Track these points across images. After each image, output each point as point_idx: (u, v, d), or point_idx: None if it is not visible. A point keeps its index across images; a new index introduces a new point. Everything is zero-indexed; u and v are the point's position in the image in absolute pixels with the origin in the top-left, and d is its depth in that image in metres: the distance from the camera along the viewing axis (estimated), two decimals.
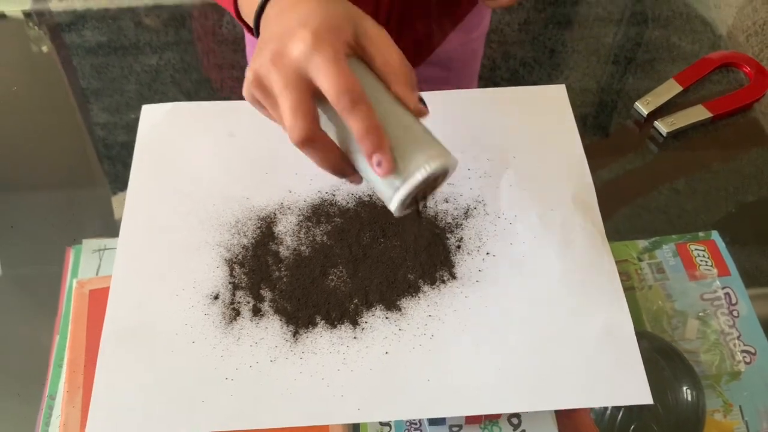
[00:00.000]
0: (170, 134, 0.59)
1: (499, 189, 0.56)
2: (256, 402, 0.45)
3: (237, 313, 0.49)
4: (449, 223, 0.54)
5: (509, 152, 0.58)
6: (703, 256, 0.58)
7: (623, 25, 1.09)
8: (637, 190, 0.75)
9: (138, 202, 0.55)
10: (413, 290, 0.50)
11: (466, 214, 0.55)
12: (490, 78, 1.04)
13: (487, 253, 0.52)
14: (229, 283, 0.51)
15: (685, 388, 0.47)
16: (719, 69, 0.76)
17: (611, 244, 0.60)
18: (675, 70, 0.82)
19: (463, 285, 0.51)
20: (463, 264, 0.52)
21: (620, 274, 0.57)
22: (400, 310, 0.49)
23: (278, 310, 0.50)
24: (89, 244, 0.56)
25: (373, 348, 0.48)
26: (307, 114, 0.40)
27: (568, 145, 0.59)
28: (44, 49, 0.90)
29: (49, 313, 0.53)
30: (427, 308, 0.50)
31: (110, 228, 0.60)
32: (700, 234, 0.60)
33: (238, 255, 0.52)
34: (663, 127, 0.68)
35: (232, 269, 0.52)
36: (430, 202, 0.55)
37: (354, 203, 0.55)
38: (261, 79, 0.41)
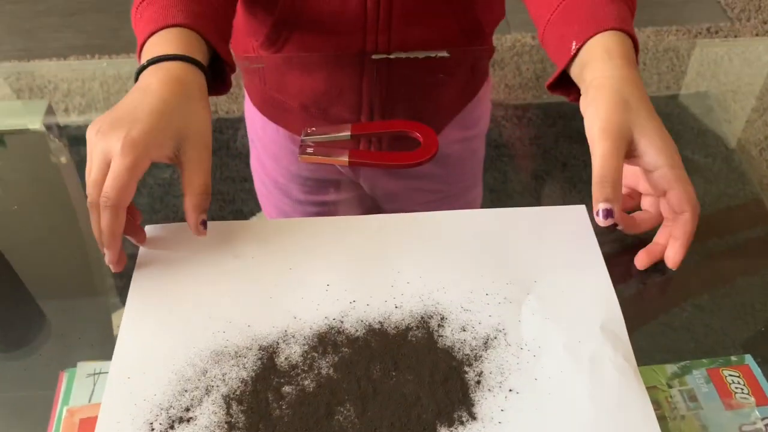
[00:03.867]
0: (172, 255, 0.58)
1: (521, 316, 0.53)
2: None
3: None
4: (467, 354, 0.50)
5: (530, 277, 0.55)
6: (739, 383, 0.54)
7: None
8: (658, 307, 0.72)
9: (134, 325, 0.53)
10: None
11: (486, 344, 0.51)
12: (502, 190, 1.04)
13: (510, 390, 0.48)
14: (225, 422, 0.47)
15: None
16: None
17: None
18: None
19: (484, 427, 0.46)
20: (484, 402, 0.47)
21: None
22: None
23: None
24: (83, 368, 0.53)
25: None
26: (111, 183, 0.52)
27: (592, 271, 0.56)
28: (63, 160, 0.91)
29: None
30: None
31: (108, 349, 0.57)
32: (733, 358, 0.56)
33: (236, 390, 0.49)
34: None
35: (229, 407, 0.48)
36: (446, 331, 0.52)
37: (364, 331, 0.52)
38: (92, 137, 0.53)
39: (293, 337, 0.52)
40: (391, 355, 0.50)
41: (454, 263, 0.57)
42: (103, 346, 0.57)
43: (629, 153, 0.55)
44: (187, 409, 0.48)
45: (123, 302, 0.56)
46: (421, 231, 0.59)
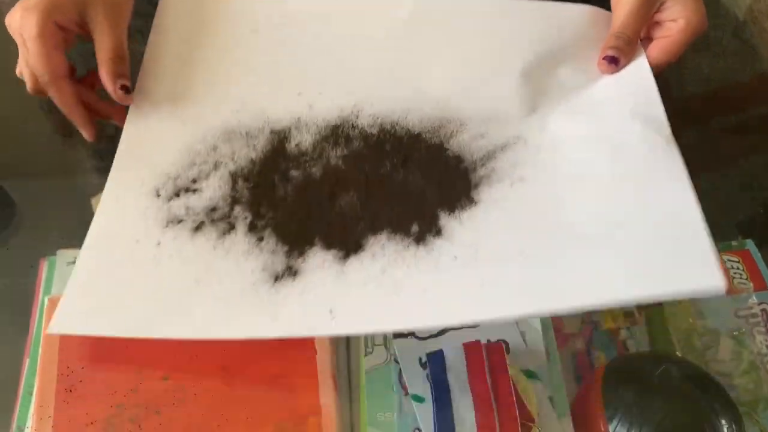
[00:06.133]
0: (186, 25, 0.55)
1: (546, 126, 0.49)
2: (237, 314, 0.43)
3: (231, 227, 0.47)
4: (481, 157, 0.49)
5: (568, 84, 0.52)
6: (738, 268, 0.53)
7: None
8: None
9: (145, 97, 0.52)
10: (428, 215, 0.46)
11: (503, 149, 0.49)
12: None
13: (520, 178, 0.47)
14: (230, 196, 0.48)
15: (723, 422, 0.42)
16: None
17: None
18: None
19: (486, 210, 0.45)
20: (489, 190, 0.46)
21: None
22: (408, 232, 0.45)
23: (276, 229, 0.46)
24: (64, 256, 0.51)
25: (373, 267, 0.44)
26: (31, 58, 0.49)
27: (633, 67, 0.52)
28: None
29: (20, 332, 0.49)
30: (439, 231, 0.45)
31: None
32: (734, 243, 0.55)
33: (243, 169, 0.49)
34: None
35: (235, 183, 0.49)
36: (464, 137, 0.49)
37: (377, 129, 0.50)
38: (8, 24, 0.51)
39: (306, 125, 0.51)
40: (402, 153, 0.49)
41: (488, 64, 0.53)
42: (82, 234, 0.55)
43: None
44: (194, 181, 0.49)
45: (102, 185, 0.53)
46: (458, 22, 0.55)
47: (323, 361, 0.45)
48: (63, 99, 0.51)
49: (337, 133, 0.51)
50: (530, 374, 0.45)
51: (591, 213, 0.43)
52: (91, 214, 0.58)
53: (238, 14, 0.56)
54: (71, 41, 0.53)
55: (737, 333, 0.50)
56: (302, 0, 0.57)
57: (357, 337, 0.47)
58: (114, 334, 0.43)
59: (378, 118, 0.51)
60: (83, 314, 0.43)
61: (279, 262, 0.45)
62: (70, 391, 0.44)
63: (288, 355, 0.46)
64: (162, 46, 0.55)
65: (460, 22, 0.55)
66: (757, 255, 0.54)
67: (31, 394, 0.45)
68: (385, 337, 0.47)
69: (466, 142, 0.49)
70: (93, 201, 0.58)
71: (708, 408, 0.42)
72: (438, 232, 0.45)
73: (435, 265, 0.43)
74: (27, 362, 0.47)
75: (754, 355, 0.49)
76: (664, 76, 0.75)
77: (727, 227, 0.62)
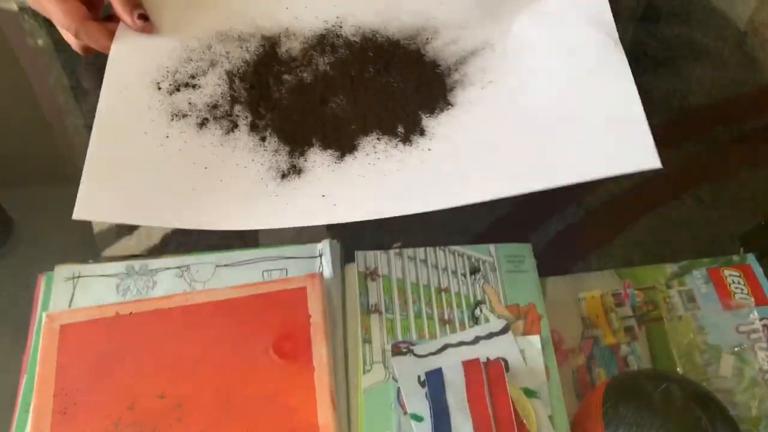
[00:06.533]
0: None
1: (511, 31, 0.53)
2: (247, 206, 0.45)
3: (234, 125, 0.49)
4: (454, 61, 0.53)
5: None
6: (739, 283, 0.53)
7: (635, 21, 1.03)
8: (657, 200, 0.69)
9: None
10: (411, 118, 0.50)
11: (473, 54, 0.53)
12: None
13: (490, 82, 0.51)
14: (229, 95, 0.50)
15: None
16: None
17: (634, 269, 0.55)
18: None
19: (461, 111, 0.50)
20: (463, 93, 0.51)
21: (647, 302, 0.52)
22: (395, 133, 0.49)
23: (276, 129, 0.49)
24: (62, 271, 0.51)
25: (366, 163, 0.47)
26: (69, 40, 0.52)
27: None
28: (39, 42, 0.85)
29: (18, 348, 0.49)
30: (423, 131, 0.49)
31: (89, 248, 0.55)
32: (735, 258, 0.54)
33: (239, 69, 0.52)
34: None
35: (232, 82, 0.51)
36: (437, 43, 0.53)
37: (360, 38, 0.54)
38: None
39: (294, 34, 0.54)
40: (384, 59, 0.53)
41: None
42: (80, 249, 0.55)
43: None
44: (193, 77, 0.51)
45: None
46: None
47: (321, 380, 0.45)
48: (94, 39, 0.52)
49: (323, 42, 0.54)
50: (530, 393, 0.45)
51: (552, 108, 0.48)
52: (90, 231, 0.58)
53: None
54: None
55: (738, 349, 0.50)
56: None
57: (355, 356, 0.47)
58: (134, 222, 0.45)
59: (360, 28, 0.55)
60: (103, 202, 0.44)
61: (283, 161, 0.48)
62: (66, 410, 0.44)
63: (286, 374, 0.46)
64: None
65: None
66: (758, 269, 0.53)
67: (27, 411, 0.45)
68: (383, 355, 0.47)
69: (440, 48, 0.53)
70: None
71: (709, 426, 0.42)
72: (421, 132, 0.49)
73: (420, 159, 0.47)
74: (24, 379, 0.47)
75: (756, 371, 0.49)
76: (666, 87, 0.76)
77: (729, 241, 0.61)
